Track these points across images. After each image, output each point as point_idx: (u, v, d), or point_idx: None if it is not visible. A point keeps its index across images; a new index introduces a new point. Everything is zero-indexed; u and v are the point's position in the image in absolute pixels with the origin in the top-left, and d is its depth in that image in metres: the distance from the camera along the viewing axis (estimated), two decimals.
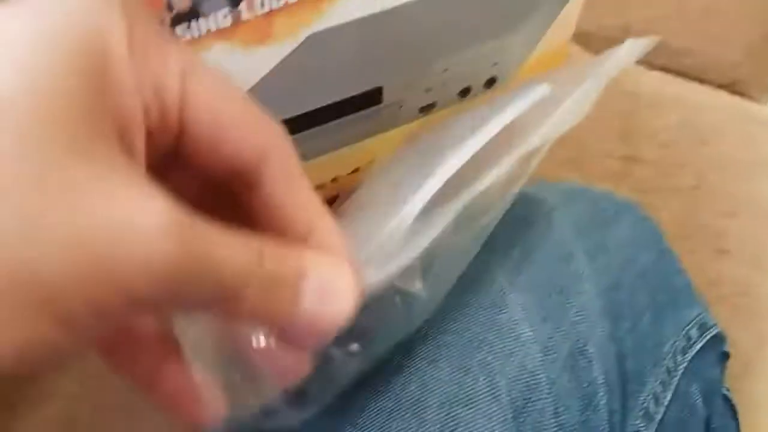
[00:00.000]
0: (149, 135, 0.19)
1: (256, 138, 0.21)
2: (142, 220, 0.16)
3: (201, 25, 0.35)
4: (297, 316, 0.20)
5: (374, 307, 0.23)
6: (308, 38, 0.40)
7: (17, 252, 0.15)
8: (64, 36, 0.17)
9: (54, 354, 0.16)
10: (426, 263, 0.25)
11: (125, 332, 0.21)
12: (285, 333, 0.21)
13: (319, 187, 0.53)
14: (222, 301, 0.18)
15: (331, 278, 0.20)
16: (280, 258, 0.19)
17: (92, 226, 0.15)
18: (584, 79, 0.32)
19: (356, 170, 0.54)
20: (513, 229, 0.37)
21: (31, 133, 0.15)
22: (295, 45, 0.40)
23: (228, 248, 0.18)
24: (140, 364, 0.21)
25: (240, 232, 0.19)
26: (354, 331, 0.23)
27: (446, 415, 0.31)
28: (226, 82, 0.20)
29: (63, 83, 0.16)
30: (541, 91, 0.31)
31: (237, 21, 0.36)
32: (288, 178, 0.21)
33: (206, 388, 0.21)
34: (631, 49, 0.33)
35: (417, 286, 0.26)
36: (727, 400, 0.43)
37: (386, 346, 0.29)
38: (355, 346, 0.26)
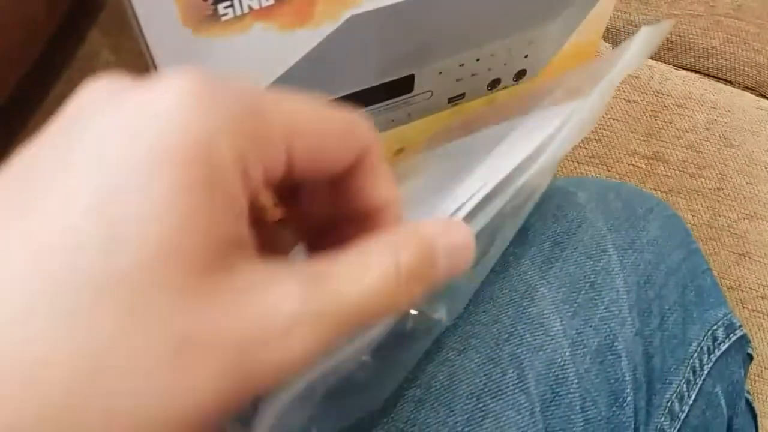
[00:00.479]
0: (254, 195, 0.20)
1: (352, 146, 0.21)
2: (277, 324, 0.18)
3: (244, 3, 0.35)
4: (440, 277, 0.21)
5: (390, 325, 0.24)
6: (347, 21, 0.40)
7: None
8: (177, 155, 0.17)
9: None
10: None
11: None
12: None
13: None
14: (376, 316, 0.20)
15: (451, 232, 0.22)
16: (417, 239, 0.21)
17: (248, 338, 0.17)
18: (601, 78, 0.32)
19: None
20: (545, 223, 0.37)
21: (168, 264, 0.16)
22: (333, 28, 0.40)
23: (366, 300, 0.19)
24: None
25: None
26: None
27: (474, 405, 0.31)
28: (313, 106, 0.21)
29: (184, 207, 0.17)
30: (563, 110, 0.31)
31: (280, 1, 0.36)
32: (374, 168, 0.22)
33: None
34: (648, 37, 0.33)
35: (440, 314, 0.26)
36: (748, 403, 0.43)
37: (399, 363, 0.30)
38: (366, 358, 0.26)
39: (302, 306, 0.18)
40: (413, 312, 0.25)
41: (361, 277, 0.19)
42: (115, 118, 0.17)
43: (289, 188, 0.23)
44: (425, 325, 0.25)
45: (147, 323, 0.16)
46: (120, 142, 0.17)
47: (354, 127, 0.21)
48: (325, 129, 0.21)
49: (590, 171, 0.58)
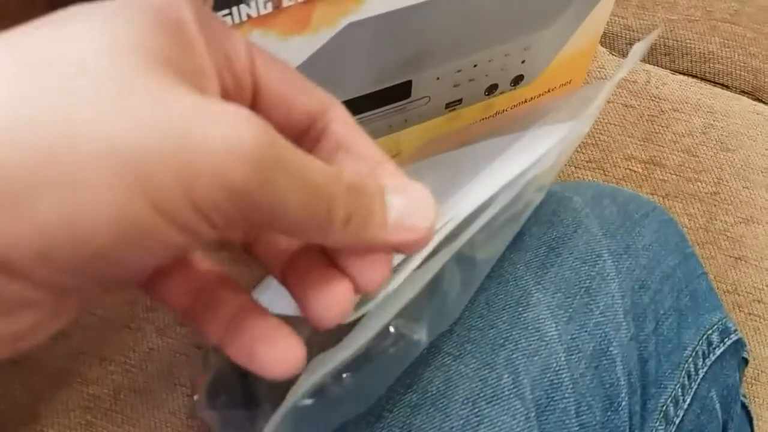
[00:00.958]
0: (226, 98, 0.21)
1: (318, 94, 0.23)
2: (233, 110, 0.17)
3: (242, 11, 0.36)
4: (389, 227, 0.21)
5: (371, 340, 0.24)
6: (345, 28, 0.40)
7: (114, 134, 0.15)
8: (148, 5, 0.19)
9: (142, 238, 0.16)
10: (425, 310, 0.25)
11: (207, 287, 0.22)
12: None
13: None
14: (313, 213, 0.19)
15: (413, 192, 0.22)
16: (358, 175, 0.21)
17: (185, 117, 0.16)
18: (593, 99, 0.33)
19: None
20: (541, 228, 0.38)
21: (128, 57, 0.17)
22: (331, 35, 0.40)
23: (311, 159, 0.19)
24: (218, 318, 0.22)
25: None
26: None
27: (470, 410, 0.32)
28: (277, 56, 0.23)
29: (151, 36, 0.18)
30: (565, 130, 0.31)
31: (278, 8, 0.37)
32: (351, 124, 0.23)
33: (285, 333, 0.21)
34: (637, 52, 0.33)
35: (419, 335, 0.26)
36: (744, 407, 0.43)
37: (379, 379, 0.29)
38: (346, 375, 0.26)
39: (257, 119, 0.17)
40: (392, 330, 0.25)
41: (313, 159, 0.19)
42: None
43: None
44: (404, 345, 0.25)
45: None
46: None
47: (313, 83, 0.23)
48: (286, 68, 0.23)
49: (587, 175, 0.59)
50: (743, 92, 0.71)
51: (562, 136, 0.31)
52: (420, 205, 0.21)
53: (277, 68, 0.22)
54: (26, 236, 0.15)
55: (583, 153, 0.60)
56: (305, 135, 0.23)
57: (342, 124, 0.23)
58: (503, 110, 0.58)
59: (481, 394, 0.32)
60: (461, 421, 0.31)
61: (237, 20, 0.36)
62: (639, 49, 0.33)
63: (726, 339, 0.40)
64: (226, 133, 0.16)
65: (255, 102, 0.22)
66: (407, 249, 0.22)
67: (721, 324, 0.40)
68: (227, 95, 0.21)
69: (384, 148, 0.53)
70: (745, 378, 0.52)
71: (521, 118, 0.36)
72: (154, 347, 0.50)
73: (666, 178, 0.60)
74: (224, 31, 0.21)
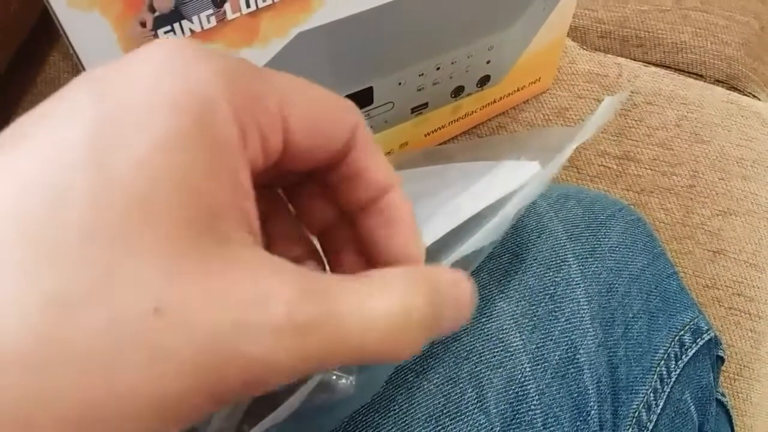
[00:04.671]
0: (255, 171, 0.19)
1: (346, 116, 0.21)
2: (266, 317, 0.16)
3: (185, 27, 0.35)
4: (442, 332, 0.20)
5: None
6: (296, 38, 0.39)
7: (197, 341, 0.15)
8: (173, 99, 0.16)
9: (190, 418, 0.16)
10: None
11: None
12: None
13: None
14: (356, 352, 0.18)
15: (455, 284, 0.20)
16: (425, 303, 0.19)
17: (228, 321, 0.15)
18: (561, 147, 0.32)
19: None
20: (504, 235, 0.37)
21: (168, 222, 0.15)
22: (282, 45, 0.39)
23: (351, 305, 0.17)
24: None
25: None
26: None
27: (433, 428, 0.31)
28: (305, 82, 0.21)
29: (178, 156, 0.16)
30: (530, 169, 0.31)
31: (222, 21, 0.36)
32: (368, 144, 0.22)
33: None
34: (608, 107, 0.33)
35: (347, 381, 0.25)
36: (722, 405, 0.43)
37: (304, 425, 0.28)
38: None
39: (294, 307, 0.16)
40: (316, 378, 0.24)
41: (367, 310, 0.17)
42: (108, 71, 0.17)
43: (292, 186, 0.23)
44: (329, 394, 0.24)
45: (125, 281, 0.15)
46: (115, 86, 0.16)
47: (344, 102, 0.21)
48: (317, 99, 0.20)
49: (560, 174, 0.58)
50: (717, 81, 0.70)
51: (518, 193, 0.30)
52: (466, 298, 0.21)
53: (307, 107, 0.20)
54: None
55: None
56: (329, 162, 0.22)
57: (362, 148, 0.22)
58: (472, 112, 0.57)
59: (445, 411, 0.31)
60: None
61: (180, 36, 0.35)
62: (608, 105, 0.33)
63: (699, 339, 0.39)
64: (268, 354, 0.16)
65: (284, 143, 0.20)
66: None
67: (694, 324, 0.39)
68: (255, 170, 0.19)
69: None
70: (727, 373, 0.51)
71: (496, 144, 0.36)
72: None
73: (641, 173, 0.59)
74: (258, 101, 0.18)
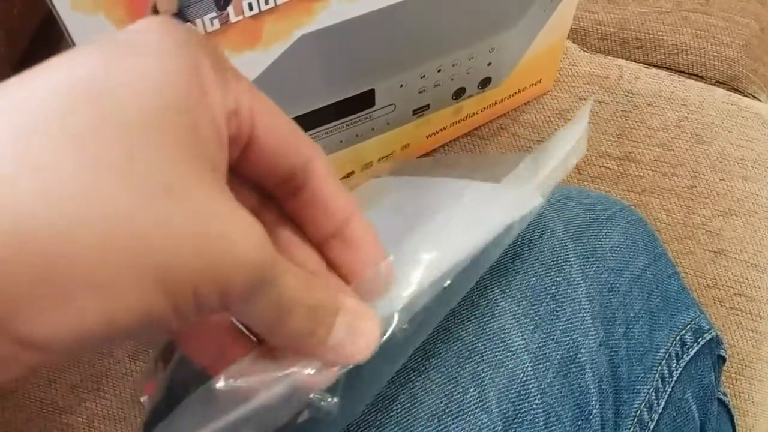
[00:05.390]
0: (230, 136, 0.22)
1: (305, 145, 0.24)
2: (244, 230, 0.19)
3: None
4: (326, 346, 0.23)
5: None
6: (299, 40, 0.39)
7: (147, 235, 0.17)
8: (172, 78, 0.19)
9: (152, 327, 0.18)
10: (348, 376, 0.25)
11: (203, 323, 0.25)
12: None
13: None
14: (272, 318, 0.21)
15: (361, 317, 0.23)
16: (323, 290, 0.23)
17: (207, 225, 0.18)
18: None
19: (350, 174, 0.54)
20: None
21: (164, 150, 0.18)
22: (284, 48, 0.39)
23: (289, 271, 0.21)
24: (210, 349, 0.24)
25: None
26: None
27: (435, 428, 0.31)
28: (275, 105, 0.24)
29: (175, 117, 0.19)
30: (534, 204, 0.31)
31: (225, 24, 0.36)
32: (328, 176, 0.24)
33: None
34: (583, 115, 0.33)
35: (331, 400, 0.25)
36: (723, 404, 0.43)
37: None
38: None
39: (260, 237, 0.20)
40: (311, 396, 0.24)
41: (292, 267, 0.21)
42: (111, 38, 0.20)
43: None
44: (312, 416, 0.25)
45: (144, 167, 0.18)
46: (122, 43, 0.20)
47: (305, 136, 0.24)
48: (283, 120, 0.23)
49: None
50: (718, 82, 0.71)
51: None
52: (363, 335, 0.24)
53: (272, 117, 0.23)
54: (67, 326, 0.17)
55: None
56: (288, 182, 0.24)
57: (320, 178, 0.24)
58: (474, 113, 0.57)
59: (447, 410, 0.31)
60: None
61: None
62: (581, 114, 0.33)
63: (700, 338, 0.39)
64: (244, 249, 0.19)
65: (246, 149, 0.23)
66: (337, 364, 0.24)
67: (695, 323, 0.40)
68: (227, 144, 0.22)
69: (353, 158, 0.52)
70: (728, 373, 0.51)
71: (497, 163, 0.36)
72: (126, 372, 0.49)
73: (642, 174, 0.59)
74: (235, 78, 0.22)
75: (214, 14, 0.35)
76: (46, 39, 0.64)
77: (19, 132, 0.17)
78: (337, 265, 0.25)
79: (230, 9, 0.35)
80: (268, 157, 0.23)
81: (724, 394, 0.44)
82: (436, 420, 0.31)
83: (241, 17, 0.36)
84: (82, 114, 0.17)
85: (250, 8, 0.36)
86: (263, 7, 0.36)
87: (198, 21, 0.35)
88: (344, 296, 0.23)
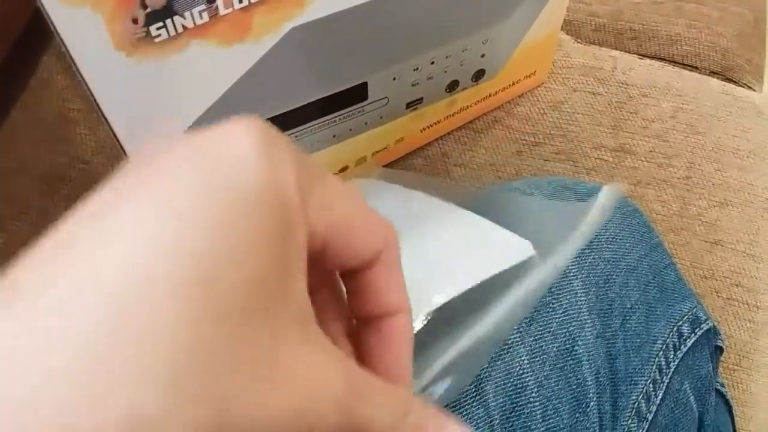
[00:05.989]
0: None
1: (376, 239, 0.22)
2: (325, 394, 0.19)
3: (177, 23, 0.35)
4: None
5: None
6: (289, 33, 0.39)
7: (237, 408, 0.16)
8: (251, 197, 0.17)
9: None
10: None
11: None
12: None
13: None
14: None
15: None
16: (422, 415, 0.22)
17: (295, 396, 0.18)
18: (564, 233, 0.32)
19: (345, 168, 0.53)
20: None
21: (265, 289, 0.17)
22: (275, 41, 0.39)
23: (380, 405, 0.21)
24: None
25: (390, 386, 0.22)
26: None
27: None
28: (348, 194, 0.22)
29: (259, 250, 0.17)
30: (525, 252, 0.31)
31: (214, 17, 0.35)
32: (391, 268, 0.23)
33: None
34: (609, 196, 0.33)
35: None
36: (721, 395, 0.42)
37: None
38: None
39: (342, 406, 0.19)
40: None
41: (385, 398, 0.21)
42: (184, 162, 0.18)
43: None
44: None
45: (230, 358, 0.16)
46: (211, 178, 0.17)
47: (377, 222, 0.22)
48: (355, 215, 0.22)
49: (557, 167, 0.58)
50: (713, 73, 0.70)
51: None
52: None
53: (346, 209, 0.21)
54: None
55: (551, 145, 0.59)
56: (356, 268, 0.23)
57: (383, 270, 0.23)
58: (468, 106, 0.57)
59: (443, 404, 0.31)
60: None
61: (173, 32, 0.35)
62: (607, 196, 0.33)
63: (697, 329, 0.39)
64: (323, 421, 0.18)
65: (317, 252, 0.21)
66: None
67: (692, 314, 0.39)
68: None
69: (347, 153, 0.52)
70: (726, 364, 0.51)
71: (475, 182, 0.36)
72: None
73: (637, 166, 0.59)
74: (318, 197, 0.20)
75: (203, 7, 0.35)
76: (36, 38, 0.63)
77: (115, 318, 0.15)
78: (365, 346, 0.24)
79: (219, 1, 0.35)
80: (337, 254, 0.22)
81: (722, 385, 0.43)
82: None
83: (230, 10, 0.36)
84: (181, 305, 0.16)
85: (240, 0, 0.36)
86: (253, 0, 0.36)
87: (187, 14, 0.34)
88: (442, 416, 0.23)
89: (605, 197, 0.33)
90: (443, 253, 0.28)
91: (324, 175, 0.21)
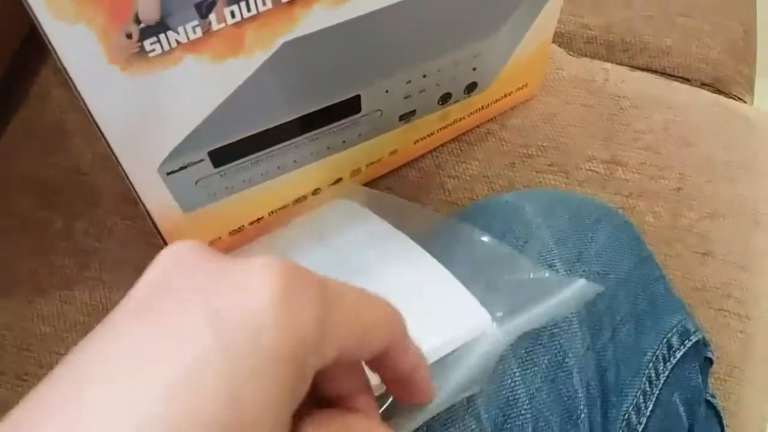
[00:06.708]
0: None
1: (388, 335, 0.24)
2: None
3: (170, 38, 0.35)
4: None
5: None
6: (281, 48, 0.39)
7: None
8: (269, 363, 0.18)
9: None
10: None
11: None
12: None
13: (299, 200, 0.52)
14: None
15: None
16: None
17: None
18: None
19: (339, 180, 0.54)
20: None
21: None
22: (267, 55, 0.39)
23: None
24: None
25: None
26: None
27: None
28: (363, 298, 0.23)
29: (276, 406, 0.19)
30: (484, 324, 0.33)
31: (207, 32, 0.36)
32: (406, 346, 0.25)
33: None
34: (582, 291, 0.34)
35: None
36: (712, 407, 0.43)
37: None
38: None
39: None
40: None
41: None
42: (200, 327, 0.18)
43: None
44: None
45: None
46: (230, 326, 0.18)
47: (386, 319, 0.24)
48: (366, 320, 0.23)
49: (549, 179, 0.58)
50: (704, 85, 0.71)
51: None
52: None
53: (362, 320, 0.23)
54: None
55: (544, 157, 0.59)
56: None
57: (396, 350, 0.25)
58: (460, 118, 0.57)
59: (436, 418, 0.31)
60: None
61: (167, 47, 0.35)
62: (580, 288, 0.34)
63: (686, 341, 0.39)
64: None
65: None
66: None
67: (681, 326, 0.40)
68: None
69: (341, 165, 0.52)
70: (717, 375, 0.51)
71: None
72: None
73: (629, 177, 0.59)
74: (330, 334, 0.21)
75: (196, 22, 0.35)
76: (33, 52, 0.64)
77: None
78: (401, 392, 0.27)
79: (212, 17, 0.35)
80: (353, 356, 0.23)
81: (713, 396, 0.44)
82: (424, 428, 0.31)
83: (223, 25, 0.36)
84: None
85: (233, 16, 0.36)
86: (245, 15, 0.36)
87: (180, 29, 0.35)
88: None
89: (578, 291, 0.34)
90: (409, 308, 0.29)
91: (342, 293, 0.22)
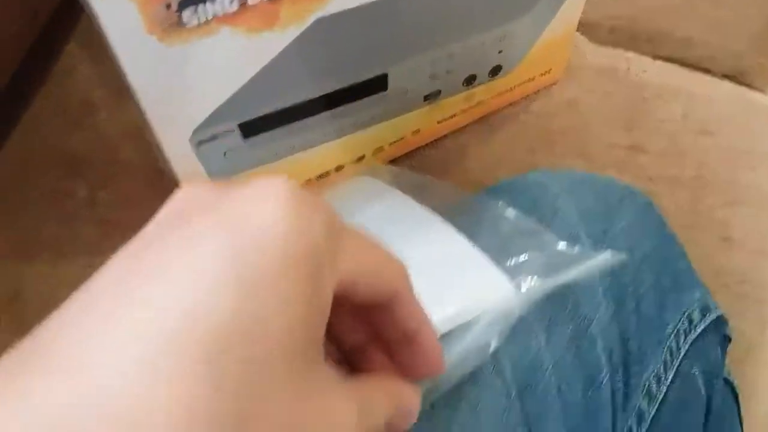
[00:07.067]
0: None
1: (394, 282, 0.24)
2: (348, 426, 0.21)
3: (208, 10, 0.36)
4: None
5: None
6: (314, 23, 0.40)
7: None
8: (283, 263, 0.19)
9: None
10: None
11: None
12: None
13: (323, 176, 0.53)
14: None
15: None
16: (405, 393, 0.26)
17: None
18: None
19: (362, 158, 0.55)
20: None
21: (288, 351, 0.18)
22: (300, 30, 0.40)
23: (380, 406, 0.24)
24: None
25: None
26: None
27: (453, 393, 0.32)
28: (369, 239, 0.24)
29: (296, 311, 0.19)
30: (507, 294, 0.34)
31: (243, 5, 0.37)
32: (409, 298, 0.25)
33: None
34: (606, 264, 0.35)
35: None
36: (728, 384, 0.43)
37: None
38: None
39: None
40: None
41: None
42: (215, 232, 0.19)
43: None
44: None
45: (262, 398, 0.18)
46: (244, 241, 0.18)
47: (392, 265, 0.25)
48: (375, 260, 0.24)
49: (570, 164, 0.59)
50: (725, 76, 0.71)
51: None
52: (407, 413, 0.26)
53: (368, 257, 0.24)
54: None
55: (565, 142, 0.60)
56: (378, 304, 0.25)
57: (401, 304, 0.25)
58: (484, 101, 0.58)
59: (462, 378, 0.32)
60: (441, 401, 0.31)
61: (203, 19, 0.36)
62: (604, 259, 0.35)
63: (707, 315, 0.40)
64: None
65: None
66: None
67: (702, 301, 0.40)
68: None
69: (364, 142, 0.53)
70: (733, 357, 0.51)
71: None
72: None
73: (649, 164, 0.60)
74: (344, 252, 0.22)
75: None
76: (57, 29, 0.65)
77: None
78: (404, 356, 0.27)
79: None
80: (357, 296, 0.23)
81: (730, 374, 0.44)
82: (452, 386, 0.32)
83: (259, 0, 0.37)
84: (224, 355, 0.17)
85: None
86: None
87: (218, 1, 0.36)
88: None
89: (602, 263, 0.34)
90: (431, 280, 0.29)
91: (348, 227, 0.22)
